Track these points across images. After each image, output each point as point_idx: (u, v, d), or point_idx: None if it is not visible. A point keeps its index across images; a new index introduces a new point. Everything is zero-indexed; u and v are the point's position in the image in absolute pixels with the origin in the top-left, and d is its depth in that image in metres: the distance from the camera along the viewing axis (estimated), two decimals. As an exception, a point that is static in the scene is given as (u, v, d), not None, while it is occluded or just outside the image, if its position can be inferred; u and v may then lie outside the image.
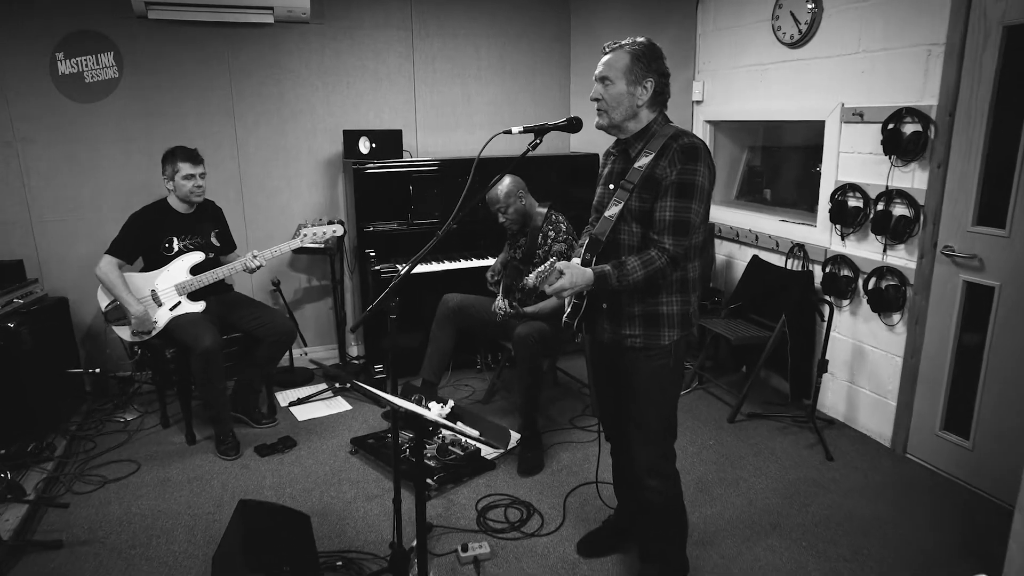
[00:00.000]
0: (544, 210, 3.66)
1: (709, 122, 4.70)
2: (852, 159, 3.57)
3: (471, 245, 4.38)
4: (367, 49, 4.45)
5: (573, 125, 2.26)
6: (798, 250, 3.94)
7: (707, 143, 4.78)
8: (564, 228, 3.58)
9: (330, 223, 3.72)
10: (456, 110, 4.76)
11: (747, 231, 4.34)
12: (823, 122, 3.71)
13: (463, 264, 4.24)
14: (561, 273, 1.95)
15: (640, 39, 2.16)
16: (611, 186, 2.24)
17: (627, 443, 2.31)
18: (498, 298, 3.55)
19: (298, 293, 4.64)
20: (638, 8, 4.69)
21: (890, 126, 3.26)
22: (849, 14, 3.49)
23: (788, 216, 4.20)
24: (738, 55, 4.26)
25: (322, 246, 3.80)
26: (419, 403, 3.52)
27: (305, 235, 3.65)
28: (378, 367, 4.29)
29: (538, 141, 2.24)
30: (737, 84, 4.31)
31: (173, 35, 4.01)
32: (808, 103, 3.80)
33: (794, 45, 3.82)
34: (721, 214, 4.64)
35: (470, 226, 4.32)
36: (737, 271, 4.44)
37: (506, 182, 3.57)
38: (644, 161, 2.13)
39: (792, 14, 3.77)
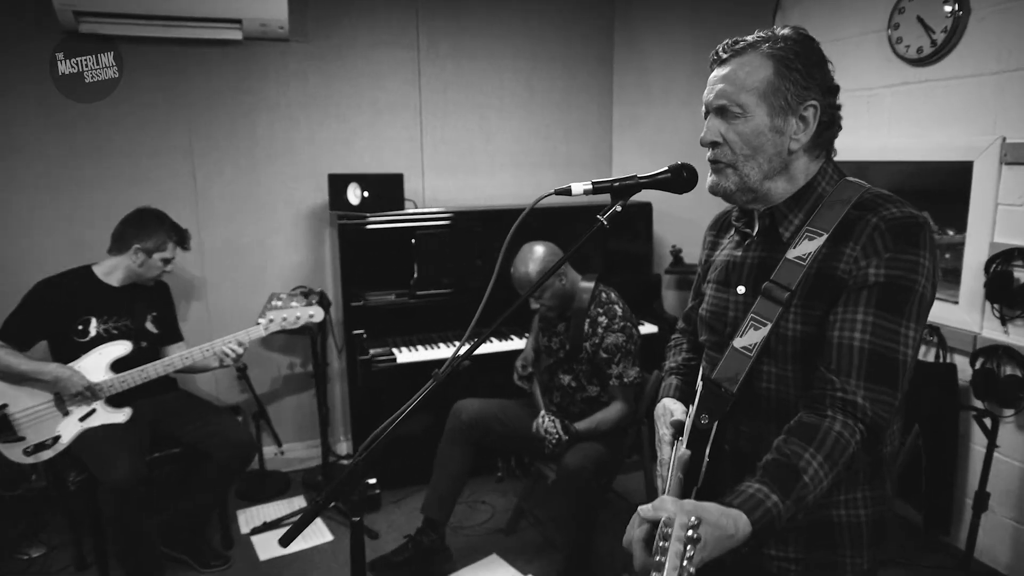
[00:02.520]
0: (590, 285, 2.70)
1: (789, 162, 3.74)
2: (1018, 214, 2.59)
3: (494, 317, 3.40)
4: (362, 73, 3.56)
5: (682, 178, 1.31)
6: (930, 334, 2.93)
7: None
8: (620, 312, 2.62)
9: (307, 301, 2.79)
10: (473, 148, 3.84)
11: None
12: (970, 163, 2.73)
13: (480, 348, 3.24)
14: (691, 541, 0.88)
15: (785, 31, 1.23)
16: (739, 289, 1.30)
17: None
18: (542, 416, 2.52)
19: (275, 382, 3.69)
20: (697, 23, 3.78)
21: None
22: (1011, 16, 2.54)
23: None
24: (837, 76, 3.31)
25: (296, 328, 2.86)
26: None
27: (272, 320, 2.72)
28: (372, 481, 3.29)
29: (618, 207, 1.29)
30: (832, 115, 3.36)
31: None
32: (945, 139, 2.83)
33: (923, 62, 2.87)
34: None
35: (480, 289, 3.36)
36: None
37: (539, 255, 2.61)
38: (808, 248, 1.20)
39: (921, 20, 2.82)
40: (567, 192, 1.27)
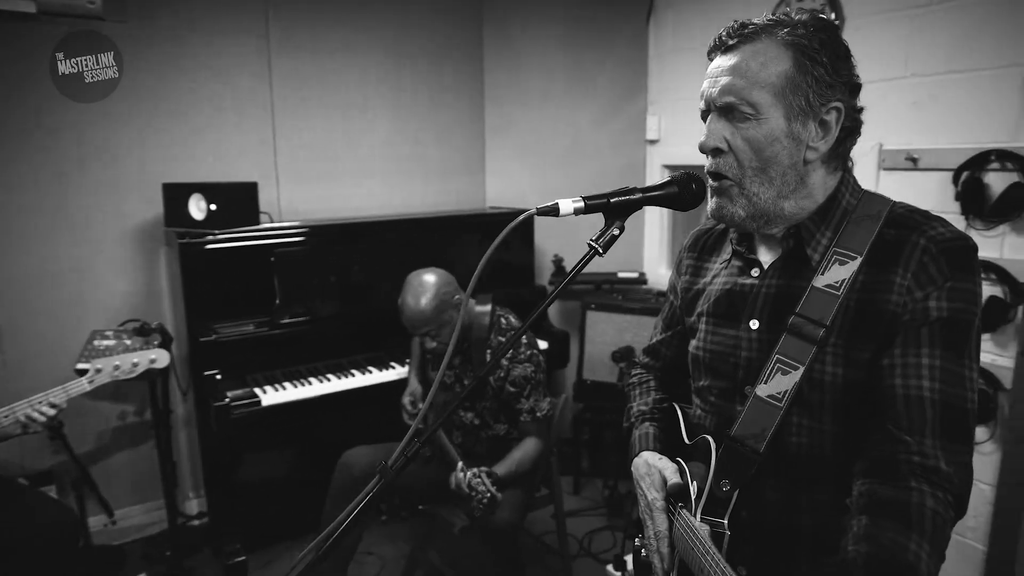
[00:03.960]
0: (487, 309, 2.41)
1: (668, 167, 3.70)
2: (896, 218, 2.66)
3: (369, 344, 3.01)
4: (202, 64, 3.02)
5: (691, 192, 1.08)
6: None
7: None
8: (524, 340, 2.35)
9: (144, 341, 2.26)
10: (336, 153, 3.41)
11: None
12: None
13: (358, 381, 2.85)
14: None
15: (803, 16, 1.03)
16: (752, 324, 1.09)
17: None
18: (463, 471, 2.12)
19: (102, 436, 3.03)
20: (571, 21, 3.62)
21: (965, 175, 2.38)
22: (889, 26, 2.59)
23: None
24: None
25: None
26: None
27: (100, 370, 2.17)
28: (234, 549, 2.77)
29: (616, 231, 1.02)
30: (710, 120, 3.33)
31: None
32: (826, 144, 2.86)
33: (803, 68, 2.88)
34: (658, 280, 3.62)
35: (362, 315, 2.99)
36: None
37: (430, 285, 2.28)
38: (840, 274, 1.01)
39: (800, 27, 2.83)
40: (554, 212, 0.98)
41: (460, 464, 2.11)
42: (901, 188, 2.63)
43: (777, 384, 1.03)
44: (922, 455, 0.90)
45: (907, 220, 1.02)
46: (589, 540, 3.02)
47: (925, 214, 1.03)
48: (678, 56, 3.47)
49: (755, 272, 1.12)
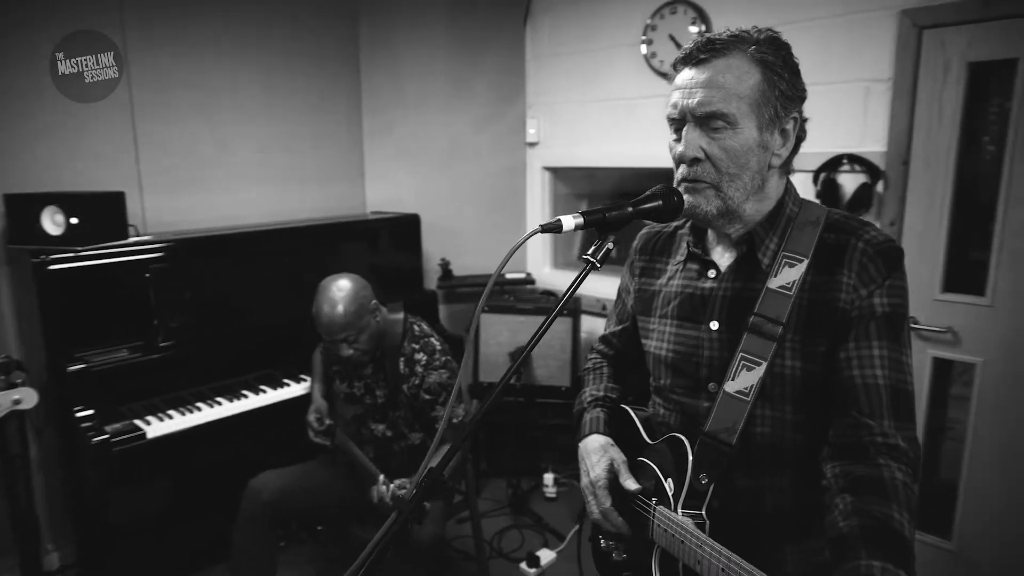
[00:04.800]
0: (399, 317, 2.37)
1: (548, 169, 3.81)
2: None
3: (258, 362, 2.83)
4: (44, 55, 2.65)
5: (672, 204, 1.12)
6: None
7: (546, 195, 3.93)
8: (438, 346, 2.33)
9: (4, 379, 1.96)
10: (205, 159, 3.15)
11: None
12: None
13: (252, 402, 2.67)
14: None
15: (763, 35, 1.11)
16: (712, 325, 1.16)
17: None
18: (384, 484, 2.06)
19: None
20: (449, 24, 3.61)
21: (823, 176, 2.68)
22: (752, 40, 2.85)
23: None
24: (590, 86, 3.44)
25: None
26: None
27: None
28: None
29: (609, 245, 1.04)
30: (590, 122, 3.48)
31: None
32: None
33: (676, 77, 3.09)
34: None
35: (247, 332, 2.80)
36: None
37: (347, 290, 2.19)
38: (791, 275, 1.10)
39: (672, 38, 3.04)
40: (557, 228, 0.98)
41: (382, 477, 2.04)
42: (767, 188, 2.91)
43: (743, 380, 1.11)
44: (883, 435, 1.01)
45: (844, 226, 1.13)
46: (499, 540, 3.05)
47: (858, 220, 1.15)
48: (555, 60, 3.58)
49: (712, 274, 1.20)
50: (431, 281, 3.71)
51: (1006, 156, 2.33)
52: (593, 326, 3.60)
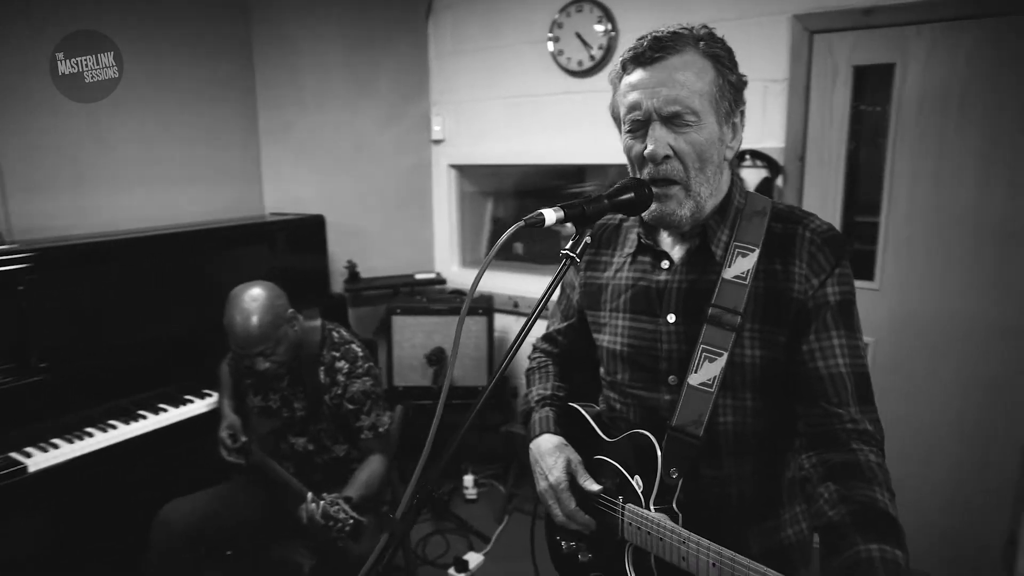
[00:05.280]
0: (317, 324, 2.25)
1: (455, 167, 3.76)
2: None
3: (154, 380, 2.59)
4: None
5: (644, 196, 1.13)
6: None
7: (453, 193, 3.87)
8: (360, 352, 2.24)
9: None
10: (82, 157, 2.84)
11: (536, 300, 3.51)
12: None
13: (151, 423, 2.44)
14: None
15: (704, 31, 1.13)
16: (669, 318, 1.17)
17: None
18: (314, 501, 1.88)
19: None
20: (349, 19, 3.47)
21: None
22: (656, 39, 2.93)
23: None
24: (497, 83, 3.42)
25: None
26: None
27: None
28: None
29: (588, 238, 1.03)
30: (496, 119, 3.47)
31: None
32: (608, 143, 3.13)
33: (584, 74, 3.13)
34: (490, 280, 3.74)
35: (139, 347, 2.57)
36: (528, 351, 3.57)
37: (261, 299, 2.05)
38: (744, 265, 1.13)
39: (580, 36, 3.08)
40: (540, 222, 0.95)
41: (310, 495, 1.92)
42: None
43: (706, 372, 1.13)
44: (853, 422, 1.05)
45: (789, 215, 1.17)
46: (423, 548, 2.97)
47: (801, 210, 1.19)
48: (460, 57, 3.53)
49: (665, 265, 1.20)
50: (338, 284, 3.56)
51: (887, 153, 2.54)
52: (505, 324, 3.60)
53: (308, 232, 3.35)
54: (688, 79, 1.06)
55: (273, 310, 2.05)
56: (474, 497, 3.39)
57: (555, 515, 1.24)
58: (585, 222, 1.02)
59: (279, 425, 2.24)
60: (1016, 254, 2.36)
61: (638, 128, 1.11)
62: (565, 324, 1.44)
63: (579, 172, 3.61)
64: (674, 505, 1.12)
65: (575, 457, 1.26)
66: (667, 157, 1.08)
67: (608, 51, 3.02)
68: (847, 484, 0.98)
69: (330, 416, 2.18)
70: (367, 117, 3.57)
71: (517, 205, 4.04)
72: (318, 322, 2.25)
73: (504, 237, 0.92)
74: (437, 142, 3.72)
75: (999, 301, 2.40)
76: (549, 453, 1.27)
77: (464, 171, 3.79)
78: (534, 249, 3.92)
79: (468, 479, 3.40)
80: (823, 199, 2.66)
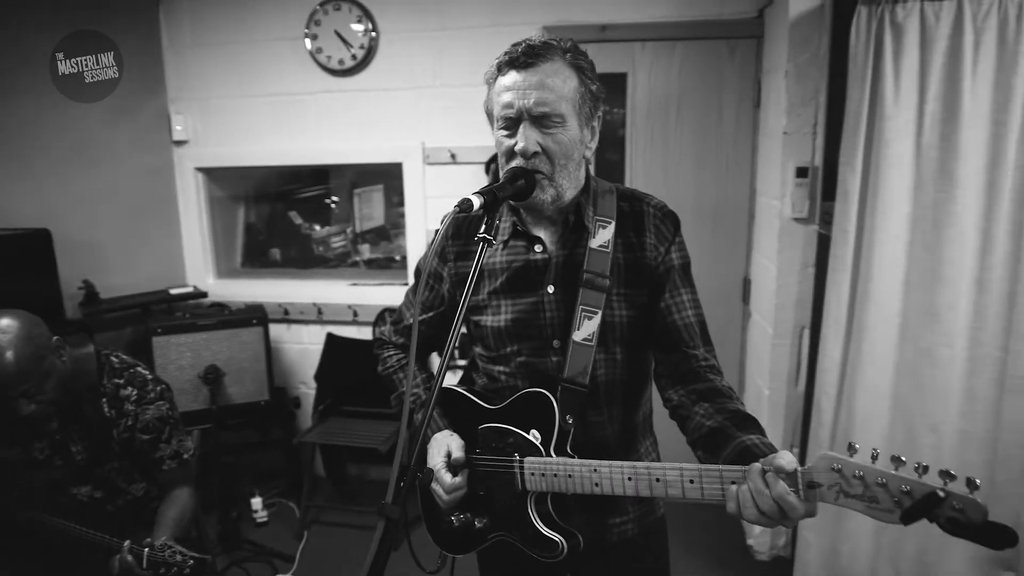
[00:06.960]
0: (88, 350, 1.96)
1: (202, 170, 3.47)
2: (443, 204, 3.18)
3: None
4: None
5: (530, 183, 1.26)
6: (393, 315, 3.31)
7: (202, 199, 3.55)
8: (148, 375, 2.00)
9: None
10: None
11: (309, 305, 3.40)
12: (400, 164, 3.17)
13: None
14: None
15: (568, 44, 1.29)
16: (549, 289, 1.33)
17: None
18: (130, 552, 1.64)
19: None
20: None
21: (492, 166, 3.03)
22: (419, 43, 3.04)
23: (365, 278, 3.50)
24: (251, 80, 3.24)
25: None
26: None
27: None
28: None
29: (498, 221, 1.18)
30: (251, 118, 3.28)
31: None
32: (376, 143, 3.18)
33: (346, 73, 3.12)
34: (252, 289, 3.52)
35: None
36: (308, 359, 3.45)
37: (15, 330, 1.72)
38: (605, 235, 1.33)
39: (339, 35, 3.05)
40: (469, 208, 1.05)
41: (127, 543, 1.69)
42: (446, 179, 3.16)
43: (586, 329, 1.29)
44: (705, 359, 1.30)
45: (632, 195, 1.38)
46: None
47: (639, 191, 1.41)
48: (203, 51, 3.24)
49: (539, 248, 1.34)
50: (73, 309, 3.06)
51: (627, 148, 2.98)
52: (277, 333, 3.43)
53: (29, 250, 2.82)
54: (556, 84, 1.19)
55: (32, 340, 1.73)
56: (265, 519, 3.19)
57: (440, 499, 1.29)
58: (495, 206, 1.11)
59: (58, 476, 1.90)
60: (723, 230, 2.96)
61: (511, 125, 1.22)
62: (432, 314, 1.47)
63: (317, 174, 3.65)
64: (568, 448, 1.26)
65: (456, 442, 1.31)
66: (536, 153, 1.21)
67: (370, 51, 3.04)
68: (716, 402, 1.22)
69: (121, 453, 1.92)
70: (95, 111, 3.09)
71: (269, 209, 3.86)
72: (91, 348, 1.95)
73: (443, 227, 1.00)
74: (180, 143, 3.38)
75: (711, 267, 2.99)
76: (434, 449, 1.32)
77: (213, 174, 3.51)
78: (290, 254, 3.79)
79: (256, 501, 3.20)
80: (578, 190, 3.03)
